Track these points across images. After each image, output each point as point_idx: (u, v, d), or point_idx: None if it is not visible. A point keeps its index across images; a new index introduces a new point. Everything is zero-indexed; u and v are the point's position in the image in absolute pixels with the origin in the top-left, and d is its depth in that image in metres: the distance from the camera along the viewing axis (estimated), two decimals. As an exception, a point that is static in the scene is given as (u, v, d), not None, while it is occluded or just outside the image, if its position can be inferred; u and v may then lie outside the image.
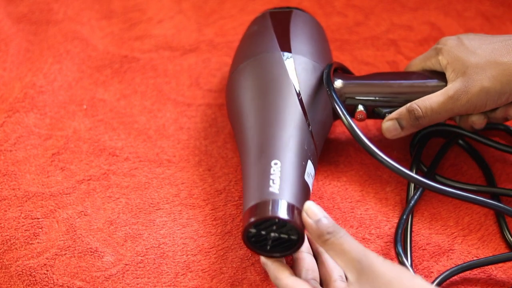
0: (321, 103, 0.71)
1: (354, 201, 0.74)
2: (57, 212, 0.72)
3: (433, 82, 0.73)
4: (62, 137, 0.78)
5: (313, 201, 0.73)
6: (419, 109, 0.70)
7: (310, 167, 0.66)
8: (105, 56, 0.87)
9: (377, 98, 0.72)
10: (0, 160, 0.76)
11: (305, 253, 0.64)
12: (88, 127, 0.80)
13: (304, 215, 0.60)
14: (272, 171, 0.63)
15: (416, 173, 0.74)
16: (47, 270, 0.67)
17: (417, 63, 0.76)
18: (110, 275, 0.67)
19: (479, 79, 0.69)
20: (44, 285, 0.67)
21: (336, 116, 0.73)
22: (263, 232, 0.61)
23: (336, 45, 0.89)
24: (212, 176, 0.75)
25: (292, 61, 0.71)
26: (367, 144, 0.66)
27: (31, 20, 0.90)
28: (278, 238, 0.61)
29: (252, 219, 0.60)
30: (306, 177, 0.64)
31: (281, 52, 0.71)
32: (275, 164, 0.63)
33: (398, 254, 0.67)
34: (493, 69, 0.68)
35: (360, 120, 0.73)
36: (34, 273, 0.67)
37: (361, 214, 0.73)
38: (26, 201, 0.73)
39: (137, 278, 0.67)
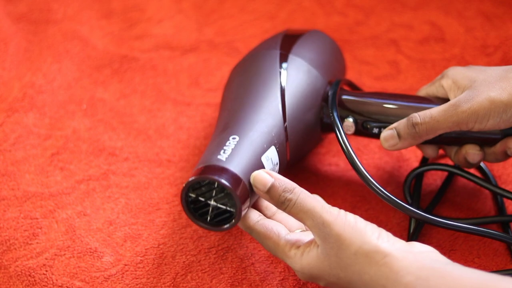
0: (305, 105, 0.69)
1: (355, 201, 0.73)
2: (56, 212, 0.72)
3: (433, 105, 0.68)
4: (61, 137, 0.78)
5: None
6: (417, 116, 0.66)
7: (272, 151, 0.64)
8: (105, 55, 0.87)
9: (369, 116, 0.70)
10: (-1, 160, 0.76)
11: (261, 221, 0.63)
12: (88, 127, 0.79)
13: (253, 185, 0.60)
14: (227, 143, 0.62)
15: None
16: (46, 271, 0.67)
17: (422, 90, 0.73)
18: (109, 276, 0.67)
19: (485, 90, 0.64)
20: (44, 285, 0.66)
21: (324, 130, 0.72)
22: (201, 199, 0.60)
23: (337, 44, 0.89)
24: (212, 176, 0.75)
25: (287, 59, 0.71)
26: (365, 175, 0.65)
27: (31, 19, 0.90)
28: (216, 208, 0.60)
29: (191, 179, 0.59)
30: (263, 159, 0.63)
31: (279, 51, 0.71)
32: (233, 138, 0.63)
33: None
34: (502, 82, 0.64)
35: (347, 132, 0.71)
36: (33, 273, 0.67)
37: (361, 214, 0.72)
38: (25, 201, 0.72)
39: (137, 278, 0.67)
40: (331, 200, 0.73)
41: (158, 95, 0.83)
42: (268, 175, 0.60)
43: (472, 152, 0.68)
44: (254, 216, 0.62)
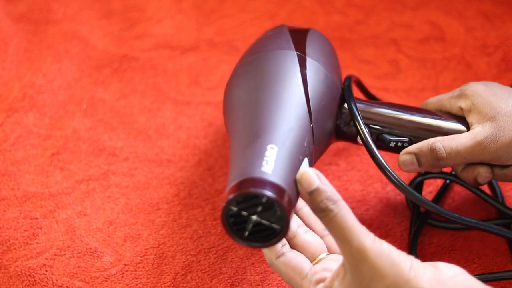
0: (326, 112, 0.67)
1: (355, 201, 0.73)
2: (56, 212, 0.72)
3: (452, 123, 0.68)
4: (61, 137, 0.78)
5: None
6: (442, 150, 0.64)
7: (306, 164, 0.61)
8: (105, 55, 0.87)
9: (386, 127, 0.68)
10: (-1, 160, 0.76)
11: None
12: (88, 126, 0.79)
13: (298, 182, 0.55)
14: (267, 154, 0.58)
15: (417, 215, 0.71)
16: (46, 271, 0.67)
17: (434, 102, 0.71)
18: (109, 276, 0.67)
19: (509, 126, 0.63)
20: (43, 285, 0.66)
21: (339, 137, 0.70)
22: (244, 213, 0.55)
23: (337, 44, 0.88)
24: (211, 176, 0.75)
25: (306, 62, 0.67)
26: (384, 165, 0.64)
27: (31, 19, 0.90)
28: (258, 224, 0.55)
29: (236, 193, 0.54)
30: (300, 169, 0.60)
31: (295, 52, 0.68)
32: (272, 148, 0.58)
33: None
34: None
35: (360, 143, 0.68)
36: (33, 273, 0.67)
37: (361, 214, 0.72)
38: (25, 201, 0.72)
39: (137, 278, 0.67)
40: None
41: (158, 94, 0.83)
42: (317, 176, 0.55)
43: (484, 175, 0.66)
44: (274, 251, 0.59)
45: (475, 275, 0.64)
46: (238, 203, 0.55)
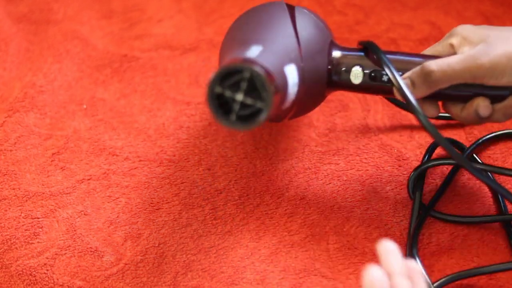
0: (315, 49, 0.69)
1: (355, 201, 0.74)
2: (57, 212, 0.72)
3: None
4: (62, 136, 0.78)
5: (313, 199, 0.73)
6: (432, 63, 0.64)
7: (292, 68, 0.62)
8: (105, 55, 0.87)
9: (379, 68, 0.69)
10: (0, 160, 0.76)
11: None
12: (88, 126, 0.80)
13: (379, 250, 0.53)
14: (251, 49, 0.60)
15: (419, 207, 0.72)
16: (47, 270, 0.67)
17: (426, 51, 0.71)
18: (110, 275, 0.67)
19: (502, 45, 0.63)
20: (44, 284, 0.67)
21: (330, 85, 0.71)
22: (228, 92, 0.56)
23: (336, 44, 0.89)
24: (212, 176, 0.75)
25: (294, 9, 0.70)
26: (414, 105, 0.64)
27: (31, 19, 0.90)
28: (244, 106, 0.56)
29: (221, 69, 0.55)
30: (286, 70, 0.62)
31: (284, 2, 0.71)
32: (256, 46, 0.60)
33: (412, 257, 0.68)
34: None
35: (356, 81, 0.69)
36: (34, 272, 0.67)
37: (361, 213, 0.73)
38: (26, 200, 0.73)
39: (137, 277, 0.67)
40: (331, 200, 0.74)
41: (158, 94, 0.83)
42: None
43: (483, 104, 0.66)
44: None
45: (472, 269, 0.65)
46: (222, 80, 0.55)
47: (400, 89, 0.65)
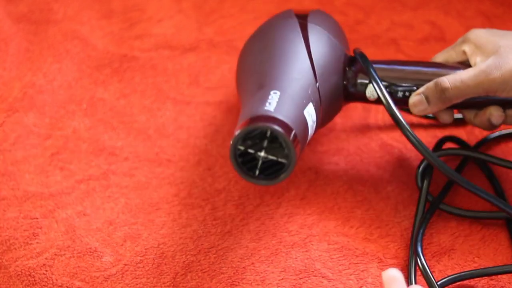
0: (330, 70, 0.70)
1: (355, 201, 0.73)
2: (56, 212, 0.72)
3: (457, 70, 0.69)
4: (61, 136, 0.78)
5: (313, 199, 0.73)
6: (446, 81, 0.67)
7: (311, 108, 0.63)
8: (105, 55, 0.87)
9: (393, 81, 0.71)
10: None
11: None
12: (88, 126, 0.79)
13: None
14: (269, 97, 0.61)
15: (425, 201, 0.72)
16: (46, 270, 0.67)
17: (441, 55, 0.73)
18: (109, 275, 0.67)
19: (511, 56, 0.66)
20: (43, 285, 0.67)
21: (347, 98, 0.72)
22: (251, 151, 0.58)
23: (337, 44, 0.89)
24: (211, 176, 0.75)
25: (307, 27, 0.71)
26: (402, 122, 0.66)
27: (31, 19, 0.90)
28: (267, 161, 0.58)
29: (241, 130, 0.57)
30: (305, 113, 0.63)
31: (296, 20, 0.72)
32: (274, 93, 0.61)
33: (417, 255, 0.67)
34: None
35: (370, 98, 0.71)
36: (33, 273, 0.67)
37: (361, 214, 0.72)
38: (25, 201, 0.72)
39: (137, 278, 0.67)
40: (331, 199, 0.73)
41: (158, 94, 0.83)
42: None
43: (496, 114, 0.68)
44: None
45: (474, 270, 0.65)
46: (244, 140, 0.57)
47: (386, 105, 0.67)
